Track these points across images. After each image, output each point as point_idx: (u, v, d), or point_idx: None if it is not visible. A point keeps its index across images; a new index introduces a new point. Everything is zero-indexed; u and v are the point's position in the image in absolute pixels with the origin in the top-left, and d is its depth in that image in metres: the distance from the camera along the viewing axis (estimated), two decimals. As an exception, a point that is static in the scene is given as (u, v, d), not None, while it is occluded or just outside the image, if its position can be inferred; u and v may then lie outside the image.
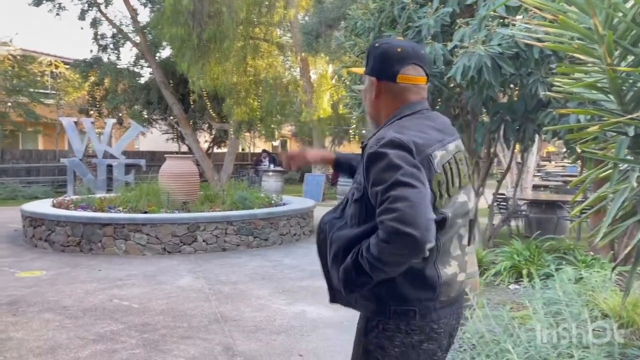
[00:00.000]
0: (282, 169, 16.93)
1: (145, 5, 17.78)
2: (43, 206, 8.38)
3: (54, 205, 8.66)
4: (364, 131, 12.94)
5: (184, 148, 22.62)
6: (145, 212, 8.08)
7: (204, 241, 7.50)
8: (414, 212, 1.30)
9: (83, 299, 5.12)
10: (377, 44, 1.65)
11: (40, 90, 20.53)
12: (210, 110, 18.71)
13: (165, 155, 9.67)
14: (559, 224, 8.74)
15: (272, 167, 16.35)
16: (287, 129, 27.11)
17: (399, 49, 1.61)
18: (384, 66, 1.62)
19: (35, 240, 7.88)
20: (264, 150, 18.79)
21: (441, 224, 1.46)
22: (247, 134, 22.26)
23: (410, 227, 1.28)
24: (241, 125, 18.01)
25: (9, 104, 18.77)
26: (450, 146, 1.56)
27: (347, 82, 7.68)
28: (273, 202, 9.49)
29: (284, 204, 9.41)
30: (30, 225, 7.97)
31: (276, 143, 31.91)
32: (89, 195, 9.70)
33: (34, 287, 5.52)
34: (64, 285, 5.61)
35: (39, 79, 20.47)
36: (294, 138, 27.33)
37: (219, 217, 7.59)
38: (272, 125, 21.33)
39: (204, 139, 23.86)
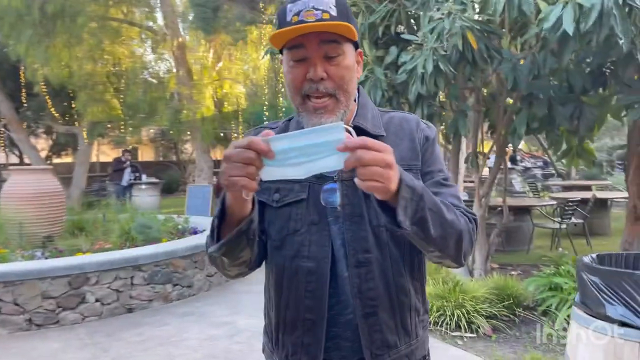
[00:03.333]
0: (155, 179, 13.90)
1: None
2: None
3: None
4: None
5: (13, 159, 18.19)
6: (-12, 260, 5.04)
7: (97, 301, 4.76)
8: None
9: None
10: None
11: None
12: (52, 109, 14.90)
13: (10, 169, 6.54)
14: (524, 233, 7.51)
15: (144, 177, 13.22)
16: (144, 134, 23.45)
17: None
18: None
19: None
20: (126, 150, 14.95)
21: None
22: (100, 138, 18.68)
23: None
24: (96, 127, 14.62)
25: None
26: None
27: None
28: (180, 227, 6.89)
29: (196, 230, 6.88)
30: None
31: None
32: None
33: None
34: None
35: None
36: (155, 143, 23.73)
37: (120, 261, 4.88)
38: (130, 128, 18.07)
39: (40, 147, 19.48)
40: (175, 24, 12.49)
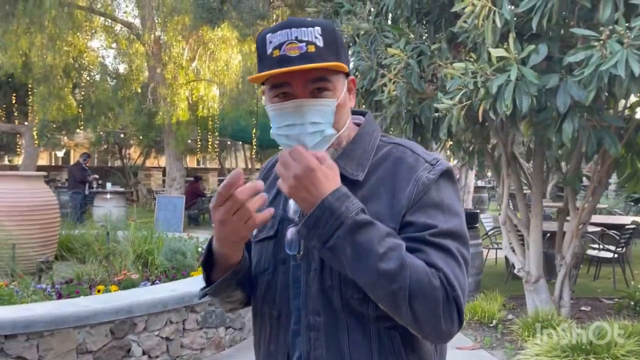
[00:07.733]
0: (122, 189, 12.36)
1: None
2: None
3: None
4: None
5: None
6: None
7: (144, 353, 3.60)
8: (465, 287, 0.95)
9: None
10: (333, 27, 0.99)
11: None
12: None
13: (-9, 173, 5.20)
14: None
15: (108, 185, 11.64)
16: (82, 137, 21.23)
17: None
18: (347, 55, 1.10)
19: None
20: (85, 154, 12.65)
21: None
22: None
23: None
24: (47, 126, 12.96)
25: None
26: None
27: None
28: (200, 250, 5.73)
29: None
30: None
31: (60, 154, 25.43)
32: None
33: None
34: None
35: None
36: (96, 146, 21.57)
37: (174, 300, 3.74)
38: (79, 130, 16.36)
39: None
40: (151, 16, 11.20)
